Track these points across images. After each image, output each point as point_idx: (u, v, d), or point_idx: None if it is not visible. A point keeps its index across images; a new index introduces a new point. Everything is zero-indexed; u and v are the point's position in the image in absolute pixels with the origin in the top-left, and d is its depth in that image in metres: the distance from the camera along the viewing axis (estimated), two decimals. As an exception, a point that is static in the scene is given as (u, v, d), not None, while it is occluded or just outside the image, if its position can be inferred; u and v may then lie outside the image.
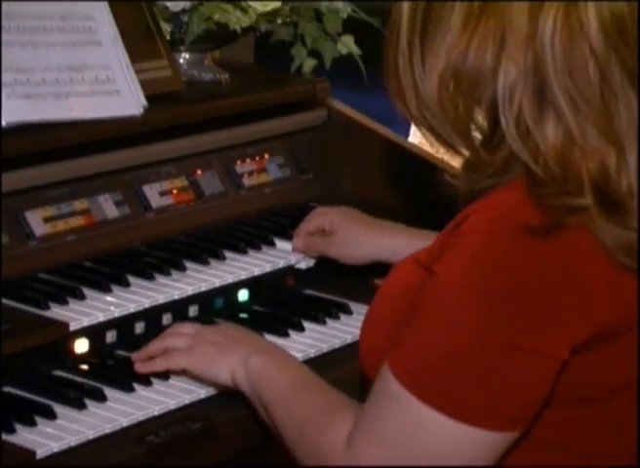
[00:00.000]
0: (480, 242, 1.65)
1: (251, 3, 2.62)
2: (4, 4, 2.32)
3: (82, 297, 2.24)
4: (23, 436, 1.94)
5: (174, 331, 2.15)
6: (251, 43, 2.99)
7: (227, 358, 2.01)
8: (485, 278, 1.64)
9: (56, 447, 1.93)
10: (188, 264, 2.39)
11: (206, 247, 2.46)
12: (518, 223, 1.61)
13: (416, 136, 3.66)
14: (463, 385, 1.63)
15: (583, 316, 1.63)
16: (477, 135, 1.73)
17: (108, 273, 2.33)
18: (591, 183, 1.62)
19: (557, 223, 1.60)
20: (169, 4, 2.62)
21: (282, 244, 2.55)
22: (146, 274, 2.34)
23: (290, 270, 2.53)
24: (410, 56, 1.72)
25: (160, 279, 2.34)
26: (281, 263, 2.49)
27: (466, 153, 1.78)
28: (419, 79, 1.72)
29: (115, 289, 2.28)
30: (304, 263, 2.45)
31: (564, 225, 1.60)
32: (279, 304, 2.43)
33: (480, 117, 1.72)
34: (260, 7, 2.62)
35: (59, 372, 2.15)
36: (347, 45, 2.73)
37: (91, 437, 1.97)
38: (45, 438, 1.94)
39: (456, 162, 2.83)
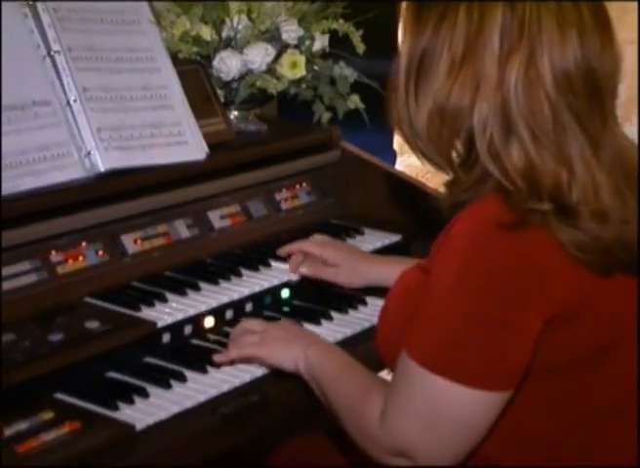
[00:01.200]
0: (463, 243, 1.55)
1: (283, 73, 2.50)
2: (101, 78, 2.19)
3: (165, 300, 2.09)
4: (125, 413, 1.79)
5: (246, 327, 2.00)
6: (275, 100, 2.82)
7: (290, 351, 1.87)
8: (469, 272, 1.54)
9: (150, 420, 1.78)
10: (244, 271, 2.26)
11: (256, 257, 2.32)
12: (492, 220, 1.51)
13: (401, 166, 3.52)
14: (463, 357, 1.53)
15: (547, 295, 1.53)
16: (456, 158, 1.63)
17: (184, 280, 2.18)
18: (548, 194, 1.52)
19: (522, 221, 1.50)
20: (222, 75, 2.48)
21: (313, 253, 2.39)
22: (212, 280, 2.20)
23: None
24: (406, 96, 1.62)
25: (223, 283, 2.20)
26: (313, 268, 2.33)
27: (444, 167, 1.67)
28: (412, 114, 1.62)
29: (190, 292, 2.14)
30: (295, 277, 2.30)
31: (528, 223, 1.50)
32: (312, 300, 2.28)
33: (458, 144, 1.61)
34: (291, 76, 2.51)
35: (149, 359, 2.00)
36: (355, 102, 2.62)
37: (176, 411, 1.82)
38: (141, 414, 1.80)
39: (432, 183, 2.67)
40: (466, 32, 1.55)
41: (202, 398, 1.86)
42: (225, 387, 1.90)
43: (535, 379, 1.57)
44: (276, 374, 1.92)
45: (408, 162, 3.50)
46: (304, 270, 2.25)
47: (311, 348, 1.84)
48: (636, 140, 1.79)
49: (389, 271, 2.13)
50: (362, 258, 2.25)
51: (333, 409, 1.76)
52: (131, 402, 1.81)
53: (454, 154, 1.64)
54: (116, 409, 1.78)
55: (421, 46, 1.59)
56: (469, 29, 1.55)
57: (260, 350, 1.91)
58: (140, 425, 1.75)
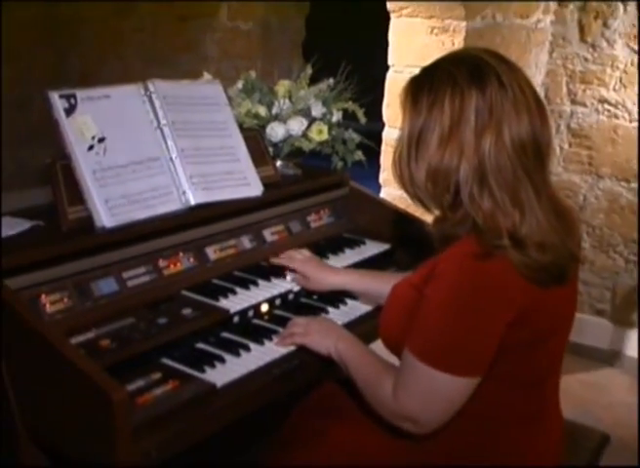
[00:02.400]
0: (449, 270, 1.42)
1: (313, 137, 2.35)
2: (193, 142, 2.02)
3: (235, 293, 1.92)
4: (209, 374, 1.64)
5: (295, 323, 1.82)
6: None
7: (325, 341, 1.72)
8: (453, 292, 1.41)
9: (226, 380, 1.63)
10: (287, 272, 2.07)
11: (295, 261, 2.12)
12: (469, 253, 1.41)
13: (384, 194, 3.37)
14: (448, 354, 1.42)
15: (508, 307, 1.41)
16: (445, 202, 1.49)
17: (247, 278, 2.01)
18: (506, 232, 1.41)
19: (488, 252, 1.40)
20: (272, 138, 2.34)
21: (332, 257, 2.23)
22: (266, 278, 2.03)
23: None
24: (408, 160, 1.50)
25: (273, 280, 2.03)
26: (333, 269, 2.15)
27: (435, 212, 1.56)
28: (413, 173, 1.49)
29: (251, 287, 1.97)
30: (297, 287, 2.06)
31: (493, 254, 1.40)
32: (335, 291, 2.06)
33: (447, 194, 1.48)
34: (318, 139, 2.36)
35: (224, 334, 1.83)
36: (359, 155, 2.46)
37: (243, 372, 1.67)
38: (219, 375, 1.64)
39: (403, 206, 2.50)
40: (451, 114, 1.44)
41: (261, 362, 1.70)
42: (277, 355, 1.74)
43: (496, 358, 1.46)
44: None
45: (388, 192, 3.38)
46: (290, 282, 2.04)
47: (340, 340, 1.70)
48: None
49: (341, 279, 1.99)
50: (323, 271, 2.02)
51: (355, 382, 1.63)
52: (213, 366, 1.66)
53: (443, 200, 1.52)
54: (203, 371, 1.63)
55: (419, 125, 1.47)
56: (453, 112, 1.44)
57: (304, 340, 1.75)
58: (219, 383, 1.60)
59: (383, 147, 3.34)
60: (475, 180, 1.43)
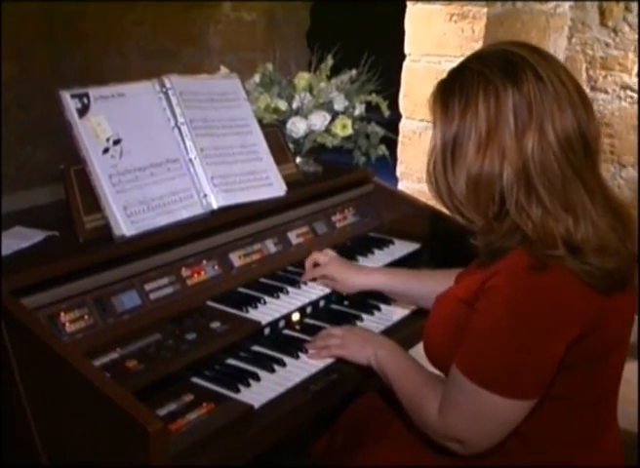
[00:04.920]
0: (504, 283, 1.29)
1: (337, 132, 2.21)
2: (212, 141, 1.89)
3: (264, 303, 1.78)
4: (244, 394, 1.50)
5: (330, 334, 1.69)
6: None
7: (364, 351, 1.59)
8: (510, 307, 1.28)
9: (263, 399, 1.49)
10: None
11: (323, 265, 1.98)
12: (524, 265, 1.27)
13: (402, 187, 3.23)
14: (503, 375, 1.29)
15: (571, 324, 1.28)
16: (489, 213, 1.34)
17: (275, 286, 1.87)
18: (561, 239, 1.27)
19: (544, 263, 1.26)
20: (293, 134, 2.20)
21: (362, 260, 2.08)
22: (296, 285, 1.89)
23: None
24: (444, 172, 1.35)
25: (303, 287, 1.89)
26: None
27: (477, 222, 1.37)
28: (451, 185, 1.35)
29: (281, 295, 1.83)
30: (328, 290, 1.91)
31: (549, 264, 1.26)
32: (366, 296, 1.93)
33: (492, 204, 1.33)
34: (342, 134, 2.21)
35: (256, 348, 1.69)
36: (382, 150, 2.32)
37: (280, 390, 1.53)
38: (256, 394, 1.51)
39: (424, 198, 2.35)
40: (487, 116, 1.30)
41: (297, 379, 1.57)
42: (314, 370, 1.61)
43: (555, 376, 1.33)
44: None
45: (406, 185, 3.26)
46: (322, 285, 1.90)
47: (381, 349, 1.57)
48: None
49: (370, 280, 1.84)
50: (349, 271, 1.86)
51: (396, 394, 1.50)
52: (247, 385, 1.52)
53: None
54: (237, 391, 1.50)
55: (452, 133, 1.33)
56: (489, 114, 1.30)
57: (342, 351, 1.63)
58: (256, 404, 1.46)
59: (401, 139, 3.19)
60: (521, 187, 1.29)
